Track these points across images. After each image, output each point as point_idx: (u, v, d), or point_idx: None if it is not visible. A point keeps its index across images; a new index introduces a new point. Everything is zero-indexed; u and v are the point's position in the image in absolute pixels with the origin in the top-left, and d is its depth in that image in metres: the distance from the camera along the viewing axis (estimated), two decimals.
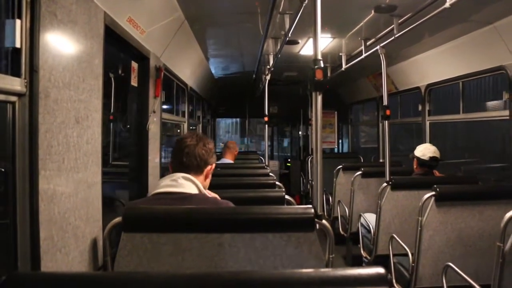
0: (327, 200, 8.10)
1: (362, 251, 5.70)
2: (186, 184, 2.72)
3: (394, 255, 4.48)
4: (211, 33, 5.95)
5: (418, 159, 5.38)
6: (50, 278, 1.21)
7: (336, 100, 12.27)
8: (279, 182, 4.37)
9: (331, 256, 2.58)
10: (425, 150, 5.37)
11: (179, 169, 2.81)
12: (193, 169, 2.81)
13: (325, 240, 2.56)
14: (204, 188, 2.83)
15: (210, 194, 2.89)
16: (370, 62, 6.12)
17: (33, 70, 2.07)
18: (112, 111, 4.65)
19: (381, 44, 5.10)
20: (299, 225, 2.34)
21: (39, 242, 2.13)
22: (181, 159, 2.80)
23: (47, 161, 2.20)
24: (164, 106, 5.48)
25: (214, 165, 2.96)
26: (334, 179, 7.40)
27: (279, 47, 5.61)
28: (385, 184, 4.90)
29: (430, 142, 6.83)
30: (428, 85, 6.99)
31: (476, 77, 5.70)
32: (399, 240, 4.34)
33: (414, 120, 8.23)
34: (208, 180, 2.95)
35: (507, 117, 4.92)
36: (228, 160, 7.42)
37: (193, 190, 2.72)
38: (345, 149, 13.52)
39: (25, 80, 2.04)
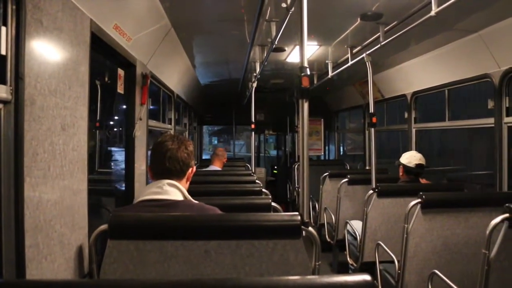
0: (314, 207, 8.11)
1: (348, 258, 5.71)
2: (172, 190, 2.71)
3: (380, 262, 4.49)
4: (198, 40, 5.95)
5: (404, 166, 5.41)
6: (35, 286, 1.21)
7: (323, 108, 12.31)
8: (266, 189, 4.37)
9: (317, 263, 2.58)
10: (411, 158, 5.40)
11: (161, 173, 2.78)
12: (176, 173, 2.79)
13: (312, 247, 2.56)
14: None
15: None
16: (356, 69, 6.15)
17: (18, 77, 2.05)
18: (98, 118, 4.64)
19: (367, 52, 5.13)
20: (286, 232, 2.34)
21: (24, 250, 2.11)
22: (164, 164, 2.77)
23: (32, 168, 2.19)
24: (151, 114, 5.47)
25: (194, 167, 2.95)
26: (321, 186, 7.42)
27: (265, 55, 5.63)
28: (371, 191, 4.92)
29: (416, 149, 6.87)
30: (414, 93, 7.03)
31: (462, 84, 5.74)
32: (385, 247, 4.35)
33: (400, 128, 8.26)
34: (189, 183, 2.94)
35: (493, 125, 4.95)
36: (216, 167, 7.43)
37: (178, 196, 2.71)
38: (332, 156, 13.55)
39: (11, 88, 2.03)
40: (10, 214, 2.05)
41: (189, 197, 2.78)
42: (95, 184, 4.75)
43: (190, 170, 2.88)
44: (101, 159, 5.08)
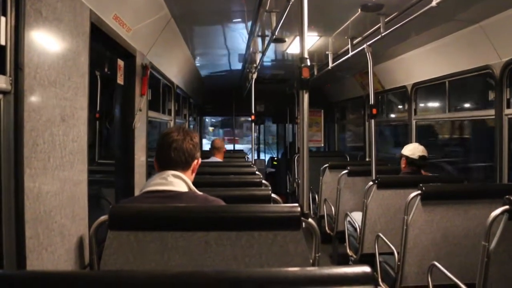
0: (314, 198, 8.12)
1: (348, 250, 5.71)
2: (176, 182, 2.70)
3: (380, 253, 4.49)
4: (198, 31, 5.94)
5: (407, 158, 5.40)
6: (36, 277, 1.20)
7: (323, 99, 12.30)
8: (266, 180, 4.37)
9: (317, 254, 2.58)
10: (414, 149, 5.40)
11: (167, 164, 2.78)
12: (181, 164, 2.78)
13: (311, 238, 2.56)
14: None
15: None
16: (356, 60, 6.14)
17: (18, 67, 2.05)
18: (98, 109, 4.64)
19: (368, 43, 5.11)
20: (285, 224, 2.34)
21: (25, 241, 2.11)
22: (169, 155, 2.77)
23: (32, 159, 2.19)
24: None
25: (200, 159, 2.95)
26: (321, 178, 7.42)
27: (265, 46, 5.61)
28: (371, 182, 4.91)
29: (417, 140, 6.88)
30: (415, 84, 7.02)
31: (463, 76, 5.73)
32: (385, 239, 4.35)
33: (400, 119, 8.26)
34: (194, 174, 2.94)
35: (493, 117, 4.95)
36: (217, 159, 7.40)
37: (183, 188, 2.71)
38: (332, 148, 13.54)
39: (10, 78, 2.03)
40: (10, 205, 2.05)
41: (194, 188, 2.78)
42: (95, 175, 4.75)
43: (195, 161, 2.88)
44: (101, 150, 5.08)
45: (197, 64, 8.37)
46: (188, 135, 2.85)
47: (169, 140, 2.80)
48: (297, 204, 2.39)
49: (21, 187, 2.08)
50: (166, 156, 2.79)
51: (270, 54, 6.41)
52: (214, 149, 7.54)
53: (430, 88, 7.03)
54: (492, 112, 4.98)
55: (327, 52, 7.03)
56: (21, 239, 2.09)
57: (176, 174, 2.73)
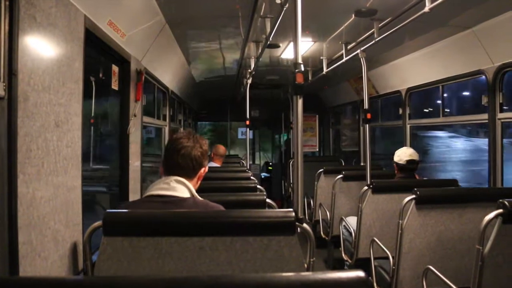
0: (309, 203, 8.11)
1: (343, 255, 5.71)
2: (179, 187, 2.69)
3: (375, 258, 4.49)
4: (192, 36, 5.93)
5: (397, 164, 5.40)
6: (28, 283, 1.20)
7: (318, 104, 12.30)
8: (261, 185, 4.36)
9: (312, 259, 2.58)
10: (402, 155, 5.39)
11: (173, 170, 2.76)
12: (187, 171, 2.77)
13: (306, 243, 2.56)
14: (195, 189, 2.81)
15: None
16: (351, 65, 6.15)
17: (12, 73, 2.05)
18: (92, 114, 4.63)
19: (362, 48, 5.12)
20: (280, 229, 2.34)
21: (18, 247, 2.11)
22: (177, 161, 2.75)
23: (26, 165, 2.19)
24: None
25: (207, 167, 2.93)
26: (315, 183, 7.41)
27: (260, 51, 5.61)
28: (366, 187, 4.92)
29: (410, 145, 6.88)
30: (409, 89, 7.04)
31: (456, 80, 5.75)
32: (380, 244, 4.36)
33: (395, 124, 8.27)
34: (199, 182, 2.92)
35: (486, 121, 4.96)
36: (216, 164, 7.40)
37: (185, 194, 2.69)
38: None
39: (4, 84, 2.03)
40: (3, 210, 2.05)
41: (196, 194, 2.76)
42: (89, 181, 4.74)
43: (202, 169, 2.86)
44: (95, 156, 5.06)
45: (191, 70, 8.37)
46: (198, 142, 2.83)
47: (178, 146, 2.78)
48: (291, 209, 2.39)
49: (14, 192, 2.08)
50: (173, 161, 2.77)
51: (264, 60, 6.41)
52: (216, 155, 7.53)
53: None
54: (485, 116, 5.00)
55: (321, 57, 7.04)
56: (14, 244, 2.09)
57: (179, 180, 2.71)
